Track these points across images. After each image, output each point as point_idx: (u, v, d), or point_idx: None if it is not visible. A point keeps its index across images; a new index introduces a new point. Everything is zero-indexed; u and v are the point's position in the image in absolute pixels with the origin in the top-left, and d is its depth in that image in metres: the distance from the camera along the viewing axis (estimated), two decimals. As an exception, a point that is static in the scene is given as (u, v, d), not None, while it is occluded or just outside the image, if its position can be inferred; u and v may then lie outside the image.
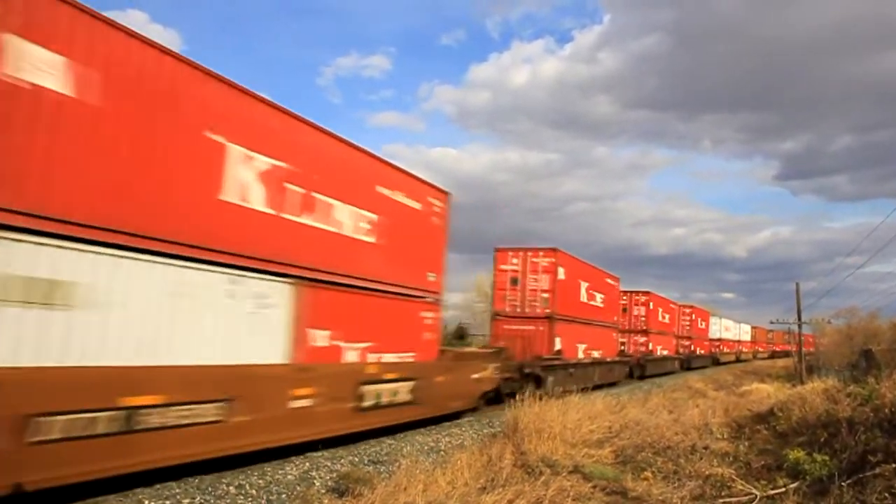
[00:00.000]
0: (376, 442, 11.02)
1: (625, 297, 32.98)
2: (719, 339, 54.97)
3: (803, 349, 37.01)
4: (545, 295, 19.97)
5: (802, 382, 21.99)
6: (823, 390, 13.31)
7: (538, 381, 17.97)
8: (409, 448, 10.57)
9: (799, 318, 34.53)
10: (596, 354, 24.08)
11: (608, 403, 13.97)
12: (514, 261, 20.39)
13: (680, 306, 43.60)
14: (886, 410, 8.77)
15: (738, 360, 60.06)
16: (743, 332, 67.07)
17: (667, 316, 38.21)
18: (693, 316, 45.59)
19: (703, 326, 49.11)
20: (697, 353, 46.21)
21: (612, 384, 25.81)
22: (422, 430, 12.61)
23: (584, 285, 22.91)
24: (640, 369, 31.49)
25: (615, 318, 27.68)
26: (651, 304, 34.52)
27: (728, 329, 59.52)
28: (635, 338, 33.28)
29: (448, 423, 13.70)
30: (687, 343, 43.50)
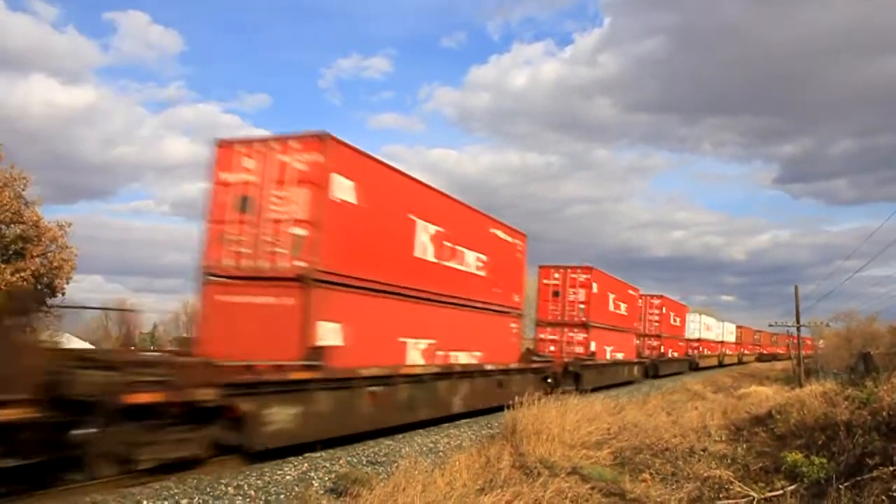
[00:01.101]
0: (374, 443, 11.04)
1: (556, 275, 24.22)
2: (698, 340, 46.71)
3: (801, 352, 36.94)
4: (297, 231, 9.80)
5: (801, 385, 22.01)
6: (822, 393, 13.30)
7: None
8: (407, 449, 10.57)
9: (798, 321, 34.54)
10: (463, 359, 14.15)
11: (607, 405, 13.99)
12: (249, 162, 10.39)
13: (647, 297, 35.62)
14: (884, 413, 8.77)
15: (720, 365, 53.16)
16: (727, 332, 59.28)
17: (623, 306, 28.31)
18: (664, 309, 37.26)
19: (678, 323, 40.82)
20: (669, 355, 38.05)
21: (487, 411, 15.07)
22: (421, 430, 12.63)
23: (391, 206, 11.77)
24: (571, 380, 21.00)
25: (500, 293, 16.22)
26: (595, 286, 24.24)
27: (709, 328, 51.68)
28: (570, 334, 23.68)
29: (447, 424, 13.71)
30: (655, 344, 35.93)
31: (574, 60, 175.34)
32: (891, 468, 6.59)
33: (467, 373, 14.27)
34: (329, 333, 9.86)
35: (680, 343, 41.56)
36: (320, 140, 9.93)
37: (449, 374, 13.50)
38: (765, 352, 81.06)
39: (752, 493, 7.11)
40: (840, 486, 6.51)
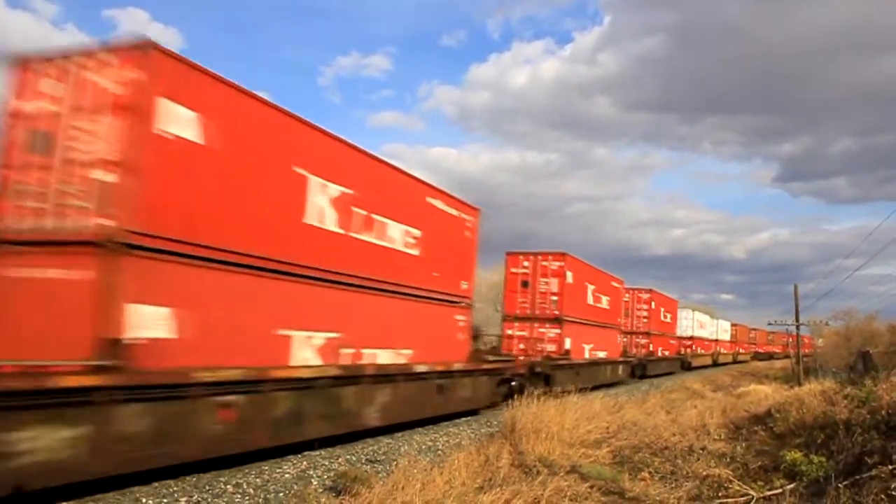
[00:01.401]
0: (374, 441, 11.04)
1: (526, 263, 21.24)
2: (691, 338, 44.22)
3: (801, 350, 36.91)
4: (103, 176, 7.53)
5: (800, 384, 22.01)
6: (821, 392, 13.31)
7: None
8: (406, 447, 10.59)
9: (797, 320, 34.52)
10: (385, 358, 11.30)
11: (606, 404, 13.99)
12: (49, 86, 8.34)
13: (634, 290, 33.18)
14: (883, 412, 8.78)
15: (714, 364, 51.36)
16: (721, 331, 57.12)
17: (604, 299, 25.55)
18: (653, 304, 34.34)
19: (669, 320, 38.21)
20: (659, 354, 35.60)
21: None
22: (420, 429, 12.65)
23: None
24: (540, 383, 17.53)
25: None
26: (570, 275, 21.28)
27: (703, 325, 49.10)
28: (541, 330, 20.77)
29: (446, 423, 13.72)
30: (643, 342, 33.48)
31: (574, 59, 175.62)
32: (889, 467, 6.59)
33: (387, 375, 11.11)
34: (152, 322, 7.04)
35: (671, 341, 38.91)
36: (142, 52, 7.04)
37: (357, 377, 10.29)
38: (761, 350, 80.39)
39: (751, 492, 7.11)
40: (839, 485, 6.52)
